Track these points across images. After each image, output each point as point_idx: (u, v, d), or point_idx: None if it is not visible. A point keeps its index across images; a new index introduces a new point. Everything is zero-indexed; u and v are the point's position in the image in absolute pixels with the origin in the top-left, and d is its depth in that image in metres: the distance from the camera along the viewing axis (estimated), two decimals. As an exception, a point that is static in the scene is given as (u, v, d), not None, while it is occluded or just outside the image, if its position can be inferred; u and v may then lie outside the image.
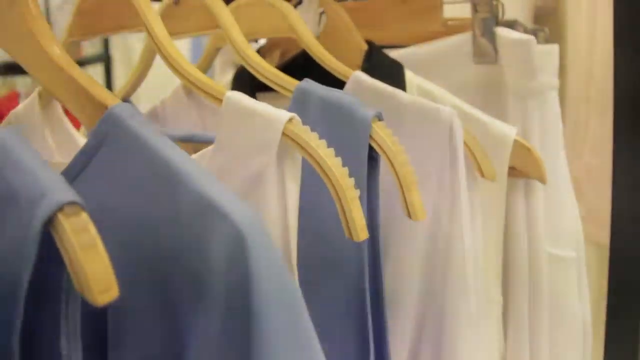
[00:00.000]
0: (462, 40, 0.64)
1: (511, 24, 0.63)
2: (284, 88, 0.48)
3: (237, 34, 0.51)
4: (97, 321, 0.35)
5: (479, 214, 0.53)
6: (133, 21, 0.48)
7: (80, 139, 0.58)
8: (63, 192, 0.27)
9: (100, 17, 0.51)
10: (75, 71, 0.37)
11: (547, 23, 1.01)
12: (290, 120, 0.39)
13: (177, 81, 0.53)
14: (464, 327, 0.51)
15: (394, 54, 0.64)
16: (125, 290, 0.29)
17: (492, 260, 0.57)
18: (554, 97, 0.62)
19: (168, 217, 0.31)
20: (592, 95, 0.88)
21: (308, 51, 0.57)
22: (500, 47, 0.61)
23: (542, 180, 0.56)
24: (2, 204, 0.28)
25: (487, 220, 0.55)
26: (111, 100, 0.35)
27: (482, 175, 0.52)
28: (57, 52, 0.38)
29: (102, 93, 0.35)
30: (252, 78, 0.66)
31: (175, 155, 0.32)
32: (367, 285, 0.44)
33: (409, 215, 0.43)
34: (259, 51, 0.70)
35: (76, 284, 0.26)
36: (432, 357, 0.52)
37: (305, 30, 0.57)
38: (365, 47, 0.61)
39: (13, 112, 0.62)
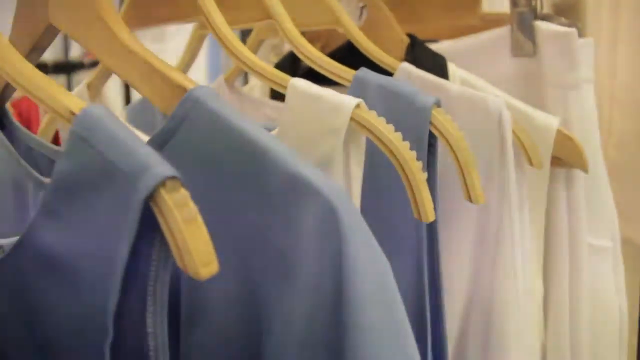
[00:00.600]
0: (500, 34, 0.64)
1: (548, 18, 0.63)
2: (340, 77, 0.48)
3: (290, 25, 0.50)
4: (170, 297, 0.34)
5: (526, 203, 0.53)
6: (190, 11, 0.48)
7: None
8: (164, 166, 0.26)
9: (156, 7, 0.50)
10: (149, 55, 0.37)
11: (566, 18, 1.01)
12: (357, 105, 0.39)
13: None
14: (512, 309, 0.51)
15: (432, 47, 0.64)
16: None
17: (534, 249, 0.57)
18: (590, 89, 0.62)
19: (255, 195, 0.31)
20: (616, 92, 0.88)
21: (355, 43, 0.56)
22: (540, 40, 0.61)
23: (584, 169, 0.56)
24: (97, 178, 0.28)
25: (529, 210, 0.55)
26: (189, 83, 0.35)
27: (531, 163, 0.52)
28: (127, 37, 0.38)
29: (179, 76, 0.35)
30: (293, 69, 0.65)
31: (261, 134, 0.32)
32: (425, 266, 0.44)
33: (469, 199, 0.43)
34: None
35: (178, 259, 0.26)
36: (481, 336, 0.51)
37: (351, 23, 0.57)
38: (407, 40, 0.61)
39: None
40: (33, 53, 0.43)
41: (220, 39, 0.45)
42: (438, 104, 0.44)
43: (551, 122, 0.55)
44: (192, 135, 0.33)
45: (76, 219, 0.29)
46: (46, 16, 0.39)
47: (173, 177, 0.26)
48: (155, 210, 0.26)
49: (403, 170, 0.38)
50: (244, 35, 0.75)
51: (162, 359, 0.30)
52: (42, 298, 0.32)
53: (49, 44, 0.43)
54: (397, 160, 0.38)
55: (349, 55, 0.58)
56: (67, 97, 0.30)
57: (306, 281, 0.30)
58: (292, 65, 0.71)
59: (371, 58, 0.55)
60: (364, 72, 0.47)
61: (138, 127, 0.56)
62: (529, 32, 0.61)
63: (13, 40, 0.41)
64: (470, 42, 0.66)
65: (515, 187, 0.50)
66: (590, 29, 0.96)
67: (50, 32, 0.40)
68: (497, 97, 0.51)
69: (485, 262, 0.51)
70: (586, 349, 0.60)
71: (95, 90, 0.58)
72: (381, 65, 0.55)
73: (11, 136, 0.43)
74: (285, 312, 0.31)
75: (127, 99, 1.76)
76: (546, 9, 1.17)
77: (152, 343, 0.29)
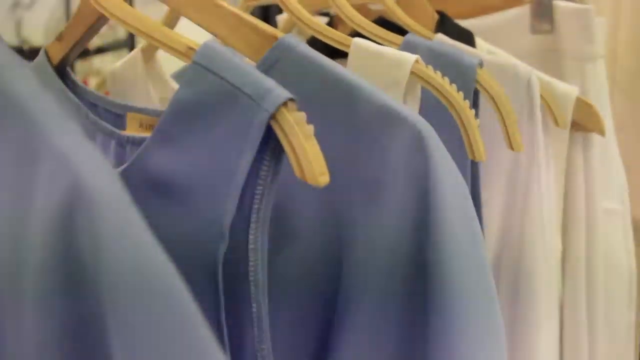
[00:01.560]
0: (520, 13, 0.69)
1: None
2: (390, 41, 0.52)
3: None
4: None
5: (550, 161, 0.57)
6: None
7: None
8: (283, 89, 0.30)
9: None
10: (235, 9, 0.40)
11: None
12: (416, 60, 0.43)
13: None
14: (540, 258, 0.56)
15: (457, 24, 0.68)
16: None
17: (555, 208, 0.62)
18: (603, 63, 0.67)
19: (346, 126, 0.35)
20: (617, 74, 0.93)
21: (394, 17, 0.61)
22: (558, 17, 0.65)
23: (602, 132, 0.61)
24: (219, 102, 0.31)
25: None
26: (278, 32, 0.38)
27: (556, 123, 0.56)
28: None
29: (268, 27, 0.39)
30: (325, 46, 0.69)
31: (348, 73, 0.36)
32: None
33: (511, 147, 0.47)
34: (330, 21, 0.74)
35: (297, 169, 0.30)
36: (512, 285, 0.56)
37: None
38: (436, 16, 0.66)
39: (111, 69, 0.65)
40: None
41: (282, 3, 0.49)
42: (481, 64, 0.48)
43: (571, 90, 0.60)
44: (285, 76, 0.37)
45: (193, 141, 0.32)
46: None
47: (292, 99, 0.30)
48: (276, 127, 0.30)
49: (459, 116, 0.42)
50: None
51: (260, 275, 0.33)
52: (151, 217, 0.35)
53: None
54: (454, 107, 0.42)
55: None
56: (182, 37, 0.34)
57: (394, 201, 0.34)
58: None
59: (409, 30, 0.60)
60: (412, 36, 0.51)
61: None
62: (548, 11, 0.66)
63: None
64: (492, 20, 0.71)
65: (542, 145, 0.55)
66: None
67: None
68: (524, 64, 0.55)
69: (515, 215, 0.56)
70: (601, 303, 0.64)
71: (149, 54, 0.62)
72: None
73: (76, 94, 0.47)
74: (371, 232, 0.35)
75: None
76: None
77: (253, 258, 0.33)
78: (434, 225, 0.33)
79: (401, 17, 0.60)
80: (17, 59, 0.26)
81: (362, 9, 0.66)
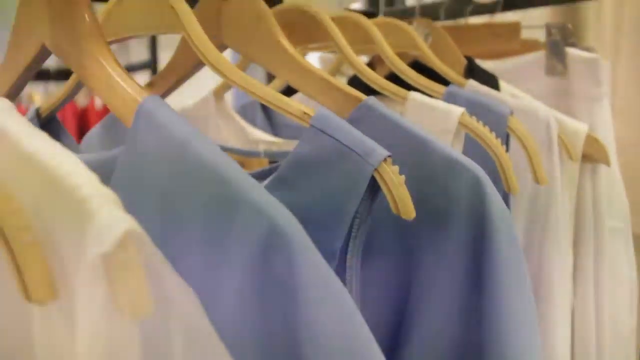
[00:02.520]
0: (536, 57, 0.80)
1: (573, 44, 0.79)
2: (434, 90, 0.63)
3: (390, 52, 0.66)
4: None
5: (566, 189, 0.68)
6: (322, 37, 0.62)
7: (249, 128, 0.72)
8: (383, 149, 0.41)
9: (300, 32, 0.64)
10: (323, 72, 0.51)
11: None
12: (463, 113, 0.54)
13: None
14: (557, 271, 0.67)
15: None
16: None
17: (567, 227, 0.73)
18: (608, 102, 0.78)
19: (420, 171, 0.46)
20: (617, 103, 1.05)
21: (429, 61, 0.72)
22: (571, 62, 0.77)
23: (608, 163, 0.72)
24: (331, 157, 0.42)
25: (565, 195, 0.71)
26: (361, 95, 0.49)
27: (571, 158, 0.67)
28: (302, 59, 0.52)
29: (353, 90, 0.50)
30: (366, 84, 0.80)
31: (418, 128, 0.47)
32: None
33: (537, 181, 0.58)
34: (370, 63, 0.85)
35: (394, 207, 0.41)
36: (533, 293, 0.66)
37: (426, 46, 0.72)
38: (464, 61, 0.77)
39: (180, 107, 0.75)
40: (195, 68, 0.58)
41: (347, 58, 0.60)
42: (512, 113, 0.59)
43: (582, 127, 0.71)
44: (369, 131, 0.47)
45: (308, 186, 0.43)
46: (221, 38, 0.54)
47: (389, 156, 0.41)
48: (378, 177, 0.41)
49: (498, 159, 0.53)
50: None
51: (354, 286, 0.44)
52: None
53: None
54: (494, 152, 0.53)
55: (418, 72, 0.74)
56: (296, 102, 0.45)
57: (457, 230, 0.45)
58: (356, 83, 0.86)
59: (443, 75, 0.71)
60: (453, 87, 0.62)
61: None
62: (561, 57, 0.77)
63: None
64: (510, 63, 0.82)
65: (559, 176, 0.66)
66: (591, 44, 1.13)
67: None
68: (544, 107, 0.67)
69: (536, 231, 0.67)
70: (606, 309, 0.75)
71: (219, 95, 0.72)
72: (451, 81, 0.71)
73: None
74: (438, 251, 0.46)
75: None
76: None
77: (349, 273, 0.44)
78: (489, 247, 0.44)
79: (437, 64, 0.71)
80: (197, 130, 0.36)
81: (401, 54, 0.78)
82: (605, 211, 0.74)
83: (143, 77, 2.14)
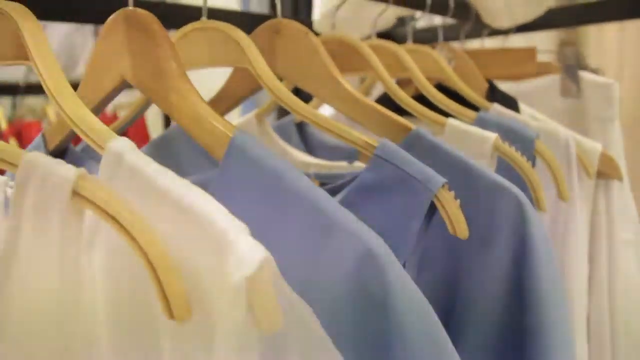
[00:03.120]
0: (551, 80, 0.85)
1: (585, 67, 0.84)
2: (464, 115, 0.68)
3: (423, 79, 0.70)
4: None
5: (583, 204, 0.73)
6: (362, 66, 0.67)
7: (289, 149, 0.76)
8: (440, 176, 0.45)
9: (342, 60, 0.68)
10: (372, 103, 0.56)
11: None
12: (496, 138, 0.59)
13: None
14: (575, 279, 0.72)
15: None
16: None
17: (584, 237, 0.78)
18: (618, 121, 0.83)
19: (467, 194, 0.50)
20: (621, 120, 1.10)
21: (454, 85, 0.76)
22: (585, 85, 0.82)
23: (620, 179, 0.77)
24: (394, 184, 0.46)
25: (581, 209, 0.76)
26: (409, 124, 0.54)
27: (589, 175, 0.72)
28: (353, 90, 0.57)
29: (400, 118, 0.54)
30: (395, 104, 0.84)
31: (462, 154, 0.51)
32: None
33: (561, 197, 0.63)
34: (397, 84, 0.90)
35: (451, 228, 0.45)
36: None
37: (452, 71, 0.77)
38: (486, 84, 0.82)
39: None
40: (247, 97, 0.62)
41: (386, 85, 0.65)
42: (538, 137, 0.64)
43: (596, 146, 0.76)
44: (419, 158, 0.52)
45: (373, 209, 0.47)
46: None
47: (447, 183, 0.46)
48: (437, 202, 0.45)
49: (529, 180, 0.58)
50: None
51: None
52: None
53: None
54: (525, 173, 0.58)
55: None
56: (359, 134, 0.49)
57: (501, 246, 0.50)
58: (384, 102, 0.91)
59: (468, 99, 0.76)
60: (483, 113, 0.67)
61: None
62: (576, 79, 0.82)
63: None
64: (527, 85, 0.87)
65: (578, 192, 0.71)
66: (593, 63, 1.19)
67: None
68: (563, 129, 0.72)
69: (556, 243, 0.72)
70: (620, 316, 0.80)
71: (260, 118, 0.77)
72: (477, 105, 0.75)
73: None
74: (484, 265, 0.51)
75: (167, 124, 1.94)
76: (553, 44, 1.41)
77: None
78: (529, 263, 0.49)
79: (463, 89, 0.76)
80: (287, 162, 0.41)
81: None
82: (618, 224, 0.79)
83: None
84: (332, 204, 0.38)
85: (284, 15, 0.60)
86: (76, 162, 0.58)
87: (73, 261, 0.32)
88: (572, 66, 0.82)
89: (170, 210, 0.31)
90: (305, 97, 0.59)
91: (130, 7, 0.49)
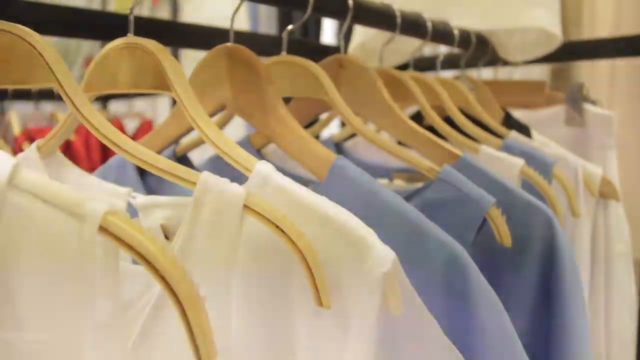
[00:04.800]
0: (558, 110, 0.96)
1: (587, 100, 0.96)
2: (489, 141, 0.78)
3: (455, 109, 0.80)
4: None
5: (587, 218, 0.84)
6: (406, 96, 0.77)
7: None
8: (491, 196, 0.55)
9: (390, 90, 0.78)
10: (426, 132, 0.66)
11: (563, 82, 1.38)
12: (523, 164, 0.69)
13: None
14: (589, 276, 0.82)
15: (511, 116, 0.95)
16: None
17: (588, 249, 0.89)
18: (616, 149, 0.95)
19: (506, 211, 0.60)
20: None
21: (474, 112, 0.87)
22: (588, 116, 0.93)
23: (617, 199, 0.88)
24: (451, 202, 0.56)
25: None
26: (457, 151, 0.64)
27: (593, 195, 0.83)
28: (408, 120, 0.67)
29: (448, 145, 0.64)
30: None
31: (505, 179, 0.61)
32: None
33: (574, 215, 0.74)
34: (418, 113, 1.00)
35: (499, 237, 0.55)
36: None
37: (475, 101, 0.87)
38: (502, 112, 0.92)
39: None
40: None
41: (427, 114, 0.75)
42: (554, 163, 0.75)
43: (598, 170, 0.87)
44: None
45: (433, 221, 0.57)
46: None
47: (496, 202, 0.55)
48: (489, 217, 0.55)
49: (551, 201, 0.68)
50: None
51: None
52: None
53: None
54: (548, 195, 0.68)
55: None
56: (423, 159, 0.59)
57: (533, 255, 0.60)
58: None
59: (489, 126, 0.86)
60: (509, 141, 0.78)
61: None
62: (579, 111, 0.93)
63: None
64: (536, 114, 0.98)
65: (585, 209, 0.82)
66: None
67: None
68: (572, 156, 0.82)
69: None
70: (615, 324, 0.91)
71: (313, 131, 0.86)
72: (495, 131, 0.86)
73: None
74: (518, 272, 0.61)
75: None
76: (545, 74, 1.53)
77: None
78: (556, 272, 0.59)
79: (484, 116, 0.87)
80: (378, 182, 0.50)
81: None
82: (615, 238, 0.90)
83: (165, 101, 2.25)
84: (420, 216, 0.48)
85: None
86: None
87: (233, 259, 0.41)
88: (576, 98, 0.93)
89: (314, 219, 0.40)
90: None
91: (231, 43, 0.58)
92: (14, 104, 2.25)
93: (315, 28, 1.93)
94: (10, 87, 0.45)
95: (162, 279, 0.32)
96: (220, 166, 0.84)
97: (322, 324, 0.40)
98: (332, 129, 1.20)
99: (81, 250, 0.34)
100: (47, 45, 0.44)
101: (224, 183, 0.40)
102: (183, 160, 0.72)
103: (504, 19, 0.97)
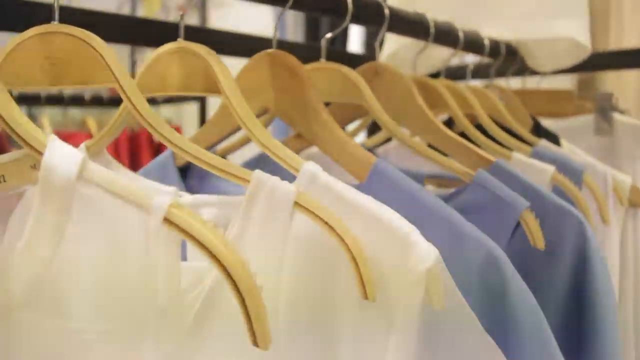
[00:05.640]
0: (587, 119, 0.97)
1: (616, 109, 0.96)
2: (521, 149, 0.79)
3: (487, 118, 0.82)
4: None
5: (615, 228, 0.85)
6: (439, 104, 0.78)
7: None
8: (525, 200, 0.56)
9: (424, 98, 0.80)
10: (458, 137, 0.67)
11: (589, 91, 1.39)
12: (555, 171, 0.70)
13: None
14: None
15: (540, 125, 0.96)
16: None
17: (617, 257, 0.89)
18: (645, 159, 0.96)
19: (538, 215, 0.62)
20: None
21: (504, 121, 0.88)
22: (617, 126, 0.94)
23: (647, 209, 0.89)
24: (487, 204, 0.57)
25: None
26: (490, 157, 0.65)
27: (622, 203, 0.84)
28: (441, 125, 0.68)
29: (481, 151, 0.66)
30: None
31: (534, 183, 0.63)
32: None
33: (604, 222, 0.74)
34: (449, 119, 1.01)
35: (531, 240, 0.56)
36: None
37: (505, 110, 0.89)
38: (531, 121, 0.93)
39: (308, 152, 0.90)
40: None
41: (461, 122, 0.76)
42: (585, 170, 0.76)
43: (627, 178, 0.87)
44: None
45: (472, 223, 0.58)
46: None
47: (529, 205, 0.57)
48: (522, 220, 0.57)
49: (582, 207, 0.69)
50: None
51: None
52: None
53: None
54: (579, 201, 0.69)
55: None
56: (459, 165, 0.60)
57: (564, 257, 0.61)
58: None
59: (519, 135, 0.87)
60: (539, 148, 0.79)
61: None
62: (608, 120, 0.94)
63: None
64: (565, 123, 0.99)
65: (615, 218, 0.83)
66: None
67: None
68: (602, 165, 0.83)
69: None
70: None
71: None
72: (525, 139, 0.87)
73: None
74: (550, 274, 0.62)
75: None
76: (571, 84, 1.54)
77: None
78: (588, 275, 0.60)
79: (515, 125, 0.88)
80: (418, 184, 0.52)
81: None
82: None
83: (190, 109, 2.29)
84: (458, 217, 0.49)
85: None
86: (203, 175, 0.69)
87: (283, 254, 0.43)
88: (605, 108, 0.94)
89: (360, 217, 0.42)
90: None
91: (274, 49, 0.60)
92: (44, 109, 2.30)
93: (342, 37, 1.96)
94: (71, 87, 0.47)
95: (224, 268, 0.34)
96: (261, 167, 0.87)
97: (365, 318, 0.42)
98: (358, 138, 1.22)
99: (146, 240, 0.36)
100: (108, 48, 0.47)
101: (276, 181, 0.42)
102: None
103: (533, 29, 0.98)
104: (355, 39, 2.03)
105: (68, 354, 0.40)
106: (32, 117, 2.28)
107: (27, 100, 2.01)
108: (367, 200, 0.43)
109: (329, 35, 0.69)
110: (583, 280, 0.60)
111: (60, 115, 2.36)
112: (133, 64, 2.42)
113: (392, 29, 0.75)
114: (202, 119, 2.11)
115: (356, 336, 0.42)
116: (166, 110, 2.52)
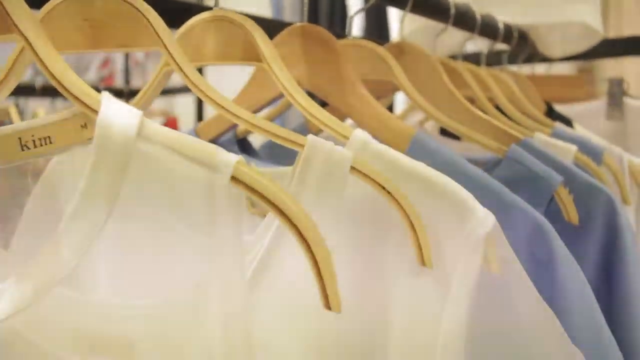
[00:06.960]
0: (598, 104, 0.98)
1: (627, 94, 0.97)
2: (541, 131, 0.79)
3: (504, 99, 0.82)
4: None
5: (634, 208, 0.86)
6: (461, 85, 0.78)
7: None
8: (559, 175, 0.56)
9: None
10: (484, 115, 0.67)
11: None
12: (577, 150, 0.71)
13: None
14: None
15: (552, 110, 0.97)
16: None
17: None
18: (655, 144, 0.96)
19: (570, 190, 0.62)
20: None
21: (522, 107, 0.88)
22: (628, 110, 0.95)
23: (659, 193, 0.90)
24: (522, 180, 0.57)
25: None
26: (519, 135, 0.65)
27: (637, 183, 0.85)
28: (468, 104, 0.68)
29: (509, 129, 0.65)
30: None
31: (562, 160, 0.63)
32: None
33: (625, 202, 0.75)
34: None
35: (566, 215, 0.56)
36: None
37: (521, 94, 0.89)
38: (544, 106, 0.94)
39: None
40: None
41: (482, 103, 0.76)
42: (604, 150, 0.76)
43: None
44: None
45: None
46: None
47: (563, 180, 0.57)
48: (557, 195, 0.56)
49: (602, 181, 0.70)
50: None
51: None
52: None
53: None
54: (600, 179, 0.70)
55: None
56: (491, 140, 0.60)
57: (597, 232, 0.61)
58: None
59: (535, 118, 0.88)
60: (558, 128, 0.79)
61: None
62: (620, 105, 0.95)
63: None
64: (576, 108, 0.99)
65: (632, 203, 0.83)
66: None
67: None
68: (617, 148, 0.84)
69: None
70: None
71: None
72: (541, 122, 0.87)
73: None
74: (582, 248, 0.62)
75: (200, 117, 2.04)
76: (569, 71, 1.55)
77: None
78: (618, 249, 0.60)
79: (530, 109, 0.88)
80: (458, 154, 0.52)
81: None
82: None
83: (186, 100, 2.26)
84: (503, 187, 0.49)
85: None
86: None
87: (338, 218, 0.42)
88: (616, 93, 0.94)
89: (415, 182, 0.42)
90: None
91: (305, 23, 0.59)
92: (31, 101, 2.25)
93: (341, 22, 1.95)
94: (115, 50, 0.46)
95: (294, 225, 0.33)
96: (277, 152, 0.86)
97: (421, 283, 0.41)
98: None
99: (211, 198, 0.35)
100: (152, 10, 0.45)
101: (332, 145, 0.41)
102: (243, 143, 0.74)
103: (546, 14, 0.98)
104: (356, 24, 2.02)
105: (116, 329, 0.38)
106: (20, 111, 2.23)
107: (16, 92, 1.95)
108: (422, 166, 0.42)
109: (355, 12, 0.68)
110: (614, 254, 0.60)
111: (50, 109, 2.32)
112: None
113: (415, 9, 0.75)
114: (199, 110, 2.09)
115: (411, 302, 0.42)
116: (160, 102, 2.49)
